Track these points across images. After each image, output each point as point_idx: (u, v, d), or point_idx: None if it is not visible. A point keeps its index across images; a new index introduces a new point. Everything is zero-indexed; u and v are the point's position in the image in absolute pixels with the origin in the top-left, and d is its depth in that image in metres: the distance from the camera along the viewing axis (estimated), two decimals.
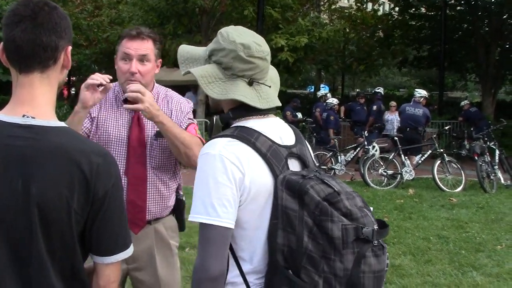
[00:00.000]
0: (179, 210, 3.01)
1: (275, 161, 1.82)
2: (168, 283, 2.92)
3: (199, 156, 1.80)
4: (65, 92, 26.10)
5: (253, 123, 1.87)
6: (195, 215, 1.74)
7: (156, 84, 2.95)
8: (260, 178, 1.79)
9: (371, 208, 1.87)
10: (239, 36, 1.86)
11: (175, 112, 2.92)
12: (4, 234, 1.52)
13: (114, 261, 1.68)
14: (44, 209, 1.52)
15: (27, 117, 1.55)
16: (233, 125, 1.89)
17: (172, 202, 2.95)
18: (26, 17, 1.56)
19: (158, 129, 2.78)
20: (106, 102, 2.85)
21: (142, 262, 2.84)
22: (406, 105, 13.16)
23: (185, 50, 2.00)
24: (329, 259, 1.69)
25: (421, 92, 13.27)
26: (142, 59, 2.75)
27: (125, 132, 2.79)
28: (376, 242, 1.73)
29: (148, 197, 2.80)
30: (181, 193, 3.03)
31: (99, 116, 2.81)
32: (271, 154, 1.82)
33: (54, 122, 1.60)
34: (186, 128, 2.88)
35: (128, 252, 1.71)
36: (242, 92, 1.84)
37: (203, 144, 2.82)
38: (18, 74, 1.61)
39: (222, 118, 1.91)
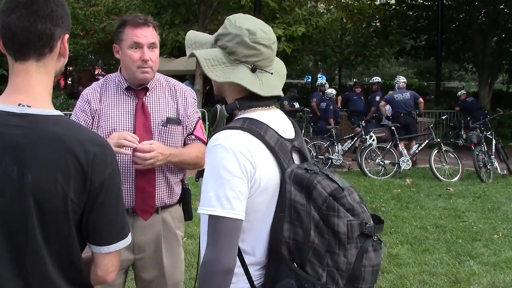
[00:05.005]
0: (186, 199, 3.01)
1: (282, 155, 1.82)
2: (172, 275, 2.92)
3: (210, 147, 1.78)
4: (62, 82, 26.00)
5: (259, 115, 1.86)
6: (208, 208, 1.72)
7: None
8: (269, 171, 1.78)
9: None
10: (246, 22, 1.86)
11: (182, 104, 2.92)
12: (1, 222, 1.51)
13: (112, 251, 1.67)
14: (40, 197, 1.51)
15: (23, 105, 1.54)
16: (240, 116, 1.87)
17: (179, 189, 2.96)
18: (22, 3, 1.54)
19: (167, 116, 2.83)
20: (106, 93, 2.84)
21: (149, 252, 2.84)
22: (392, 93, 13.53)
23: (193, 34, 2.01)
24: (333, 253, 1.74)
25: (403, 78, 13.91)
26: (151, 46, 2.78)
27: (131, 120, 2.79)
28: (375, 237, 1.79)
29: (156, 183, 2.81)
30: (186, 182, 3.04)
31: (101, 107, 2.80)
32: (279, 148, 1.82)
33: (49, 110, 1.58)
34: (194, 128, 2.94)
35: (126, 241, 1.70)
36: (242, 77, 1.83)
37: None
38: (14, 61, 1.59)
39: (228, 108, 1.89)
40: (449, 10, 22.90)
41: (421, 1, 24.13)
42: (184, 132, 2.92)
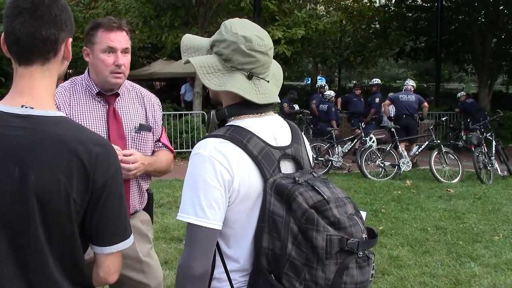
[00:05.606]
0: (149, 204, 3.01)
1: (266, 164, 1.79)
2: (154, 277, 2.94)
3: (191, 155, 1.79)
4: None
5: (248, 122, 1.84)
6: (184, 215, 1.74)
7: None
8: (249, 180, 1.77)
9: (365, 213, 1.87)
10: (242, 28, 1.83)
11: (150, 111, 2.92)
12: (2, 222, 1.52)
13: (115, 251, 1.68)
14: (43, 197, 1.52)
15: (26, 107, 1.55)
16: (228, 124, 1.86)
17: (146, 195, 2.96)
18: (26, 9, 1.54)
19: (140, 123, 2.82)
20: (74, 97, 2.76)
21: (127, 259, 2.79)
22: (398, 94, 13.61)
23: (188, 39, 1.98)
24: (311, 267, 1.69)
25: (412, 82, 13.87)
26: (125, 51, 2.74)
27: (104, 126, 2.74)
28: (361, 253, 1.72)
29: (130, 190, 2.80)
30: (148, 186, 3.02)
31: (71, 112, 2.72)
32: (263, 157, 1.79)
33: (52, 112, 1.59)
34: (160, 136, 2.95)
35: (129, 242, 1.71)
36: (239, 85, 1.81)
37: (173, 153, 2.99)
38: (17, 65, 1.60)
39: (218, 115, 1.89)
40: (449, 12, 22.93)
41: (420, 3, 24.16)
42: (154, 139, 2.92)
